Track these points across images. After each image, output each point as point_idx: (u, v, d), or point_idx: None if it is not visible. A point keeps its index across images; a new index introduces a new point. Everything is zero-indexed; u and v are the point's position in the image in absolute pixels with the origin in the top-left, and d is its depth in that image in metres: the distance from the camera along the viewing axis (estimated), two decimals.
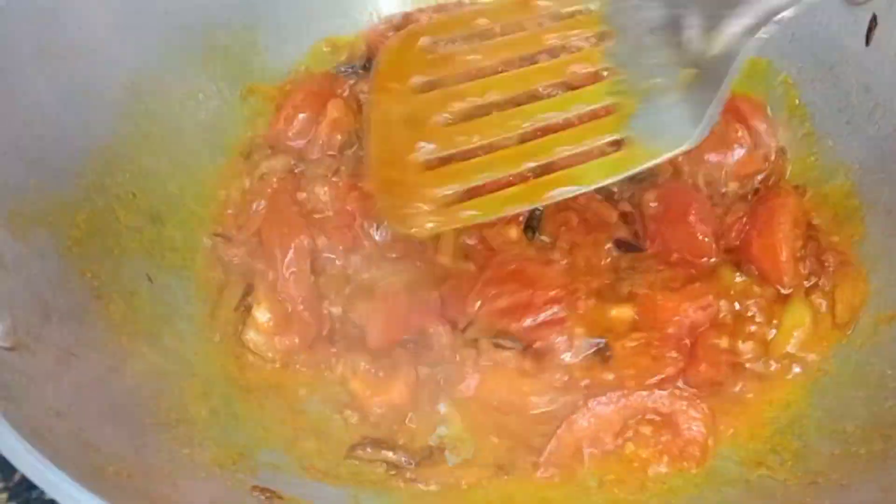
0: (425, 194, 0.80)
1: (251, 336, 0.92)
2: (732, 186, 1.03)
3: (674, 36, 0.81)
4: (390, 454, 0.83)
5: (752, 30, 0.75)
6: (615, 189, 1.00)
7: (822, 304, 0.93)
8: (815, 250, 0.96)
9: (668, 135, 0.79)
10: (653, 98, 0.80)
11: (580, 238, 0.97)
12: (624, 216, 0.99)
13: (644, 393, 0.86)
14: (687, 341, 0.90)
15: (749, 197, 1.01)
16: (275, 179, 1.01)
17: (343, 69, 1.13)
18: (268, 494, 0.75)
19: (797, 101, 1.06)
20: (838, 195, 1.00)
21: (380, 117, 0.86)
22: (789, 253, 0.94)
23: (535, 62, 0.89)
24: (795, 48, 1.05)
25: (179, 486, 0.70)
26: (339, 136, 1.05)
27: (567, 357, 0.89)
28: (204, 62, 1.06)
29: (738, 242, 0.97)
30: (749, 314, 0.92)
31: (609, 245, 0.97)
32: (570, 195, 0.80)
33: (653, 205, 0.98)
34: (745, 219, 0.98)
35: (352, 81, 1.10)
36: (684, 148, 0.78)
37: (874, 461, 0.76)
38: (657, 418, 0.86)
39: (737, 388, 0.89)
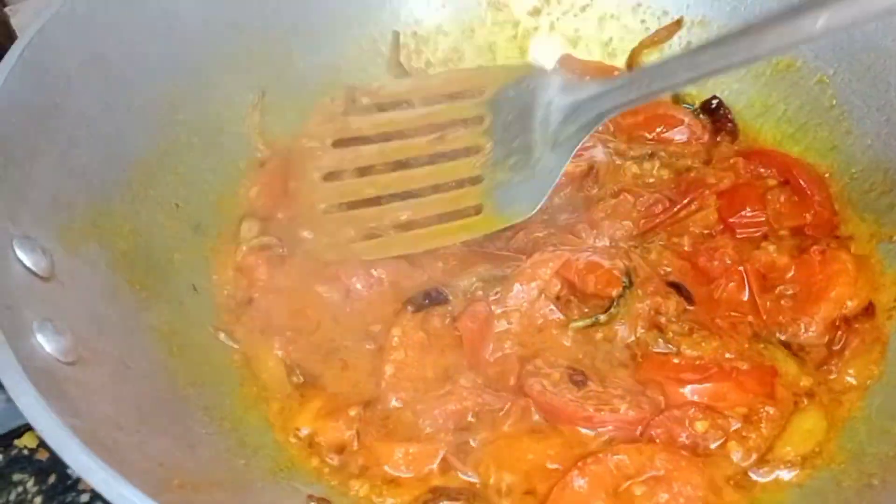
0: (330, 232, 0.99)
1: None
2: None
3: (534, 124, 0.97)
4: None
5: (589, 126, 0.92)
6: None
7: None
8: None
9: (516, 206, 0.95)
10: (511, 174, 0.97)
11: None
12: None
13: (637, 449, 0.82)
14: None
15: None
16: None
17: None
18: None
19: (833, 102, 1.06)
20: (876, 193, 1.00)
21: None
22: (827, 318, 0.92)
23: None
24: (830, 49, 1.06)
25: (239, 497, 0.71)
26: None
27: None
28: (241, 72, 1.07)
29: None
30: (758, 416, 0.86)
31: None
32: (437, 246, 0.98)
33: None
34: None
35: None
36: (525, 218, 0.95)
37: None
38: (656, 474, 0.81)
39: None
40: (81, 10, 0.89)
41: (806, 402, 0.86)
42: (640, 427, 0.84)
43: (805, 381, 0.88)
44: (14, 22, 1.12)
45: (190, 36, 1.02)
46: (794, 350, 0.91)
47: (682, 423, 0.84)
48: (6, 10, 1.11)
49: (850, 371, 0.88)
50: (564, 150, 0.93)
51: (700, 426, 0.84)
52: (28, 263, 0.72)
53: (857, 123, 1.03)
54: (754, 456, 0.83)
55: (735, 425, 0.84)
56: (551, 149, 0.94)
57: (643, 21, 1.20)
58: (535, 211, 0.94)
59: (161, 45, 0.98)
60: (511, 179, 0.97)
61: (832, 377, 0.88)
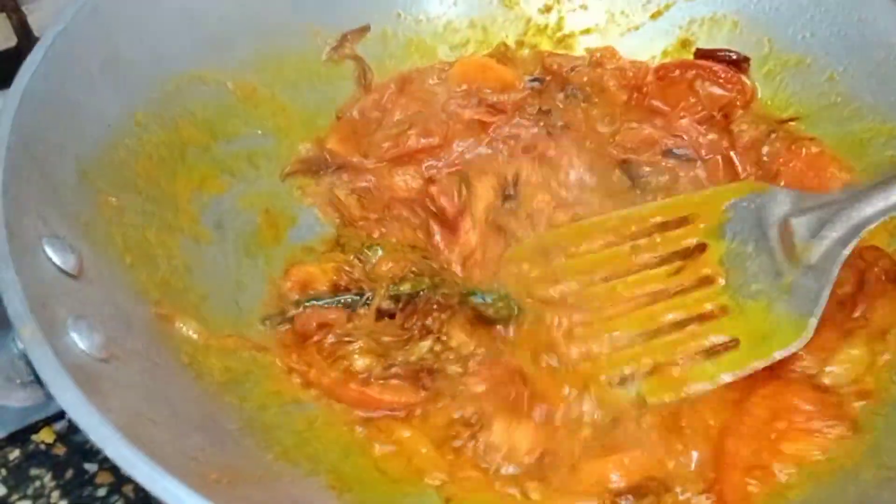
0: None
1: None
2: None
3: (774, 244, 0.90)
4: None
5: (846, 240, 0.86)
6: None
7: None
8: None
9: (780, 335, 0.86)
10: (759, 302, 0.89)
11: None
12: None
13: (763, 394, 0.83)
14: None
15: None
16: None
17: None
18: None
19: (843, 98, 1.07)
20: None
21: None
22: None
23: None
24: (841, 46, 1.07)
25: (270, 490, 0.71)
26: None
27: None
28: (255, 70, 1.07)
29: None
30: None
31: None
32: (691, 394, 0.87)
33: None
34: None
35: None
36: (798, 348, 0.85)
37: None
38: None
39: None
40: (103, 9, 0.90)
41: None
42: None
43: None
44: (31, 20, 1.12)
45: (206, 34, 1.02)
46: None
47: None
48: (23, 9, 1.12)
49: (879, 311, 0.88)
50: (825, 269, 0.86)
51: None
52: (58, 261, 0.73)
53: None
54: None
55: None
56: (806, 269, 0.87)
57: None
58: (810, 337, 0.85)
59: (177, 45, 0.99)
60: (763, 307, 0.89)
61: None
